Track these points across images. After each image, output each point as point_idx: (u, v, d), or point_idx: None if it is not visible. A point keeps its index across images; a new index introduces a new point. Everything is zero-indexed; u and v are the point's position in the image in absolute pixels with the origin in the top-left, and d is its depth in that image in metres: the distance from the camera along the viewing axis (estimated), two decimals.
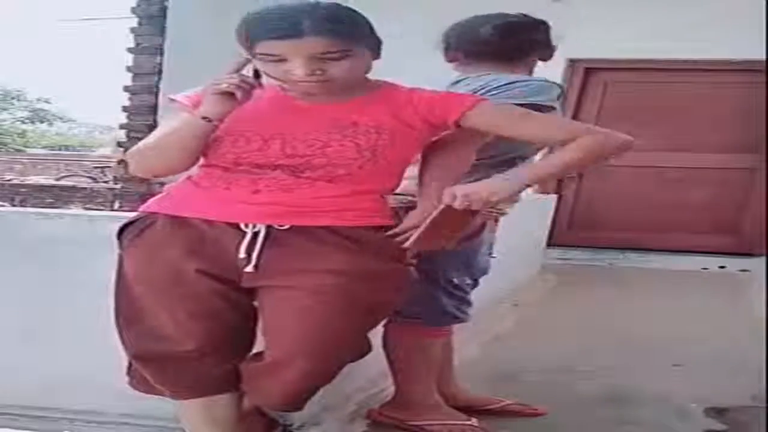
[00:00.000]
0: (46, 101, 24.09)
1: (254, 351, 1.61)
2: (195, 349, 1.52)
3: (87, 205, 8.05)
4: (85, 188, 8.97)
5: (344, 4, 1.44)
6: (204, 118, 1.45)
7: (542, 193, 5.42)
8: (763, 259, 5.18)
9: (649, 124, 5.59)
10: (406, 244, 1.52)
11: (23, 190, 9.07)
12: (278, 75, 1.45)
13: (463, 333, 2.09)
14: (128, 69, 5.84)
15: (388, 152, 1.50)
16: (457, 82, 1.85)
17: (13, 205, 7.98)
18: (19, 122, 23.33)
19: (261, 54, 1.42)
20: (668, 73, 5.53)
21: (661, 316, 3.79)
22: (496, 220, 1.98)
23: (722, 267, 5.50)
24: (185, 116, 1.50)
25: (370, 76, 1.55)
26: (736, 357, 2.89)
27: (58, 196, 8.74)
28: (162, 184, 1.94)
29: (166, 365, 1.55)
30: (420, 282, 1.80)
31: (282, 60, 1.41)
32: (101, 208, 7.26)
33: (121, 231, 1.56)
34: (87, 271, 1.87)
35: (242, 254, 1.47)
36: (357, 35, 1.43)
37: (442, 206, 1.50)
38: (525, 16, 1.93)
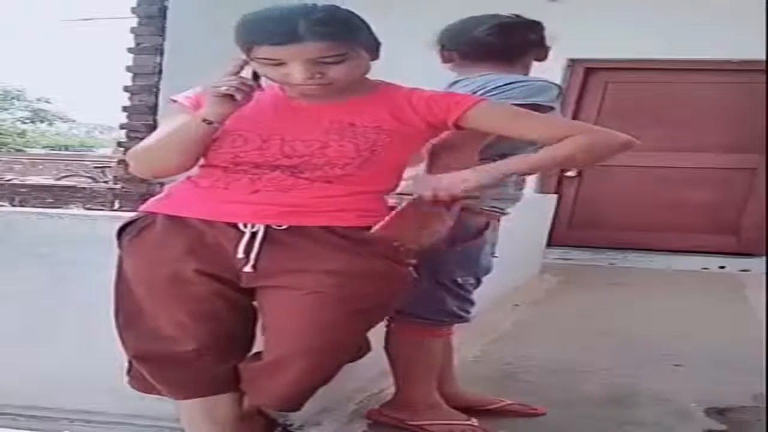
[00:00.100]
0: (46, 101, 24.11)
1: (253, 351, 1.62)
2: (194, 349, 1.52)
3: (87, 205, 8.05)
4: (85, 188, 8.97)
5: (341, 6, 1.44)
6: (205, 120, 1.46)
7: (542, 193, 5.43)
8: (763, 259, 5.20)
9: (648, 124, 5.60)
10: (372, 230, 1.49)
11: (23, 190, 9.07)
12: (277, 78, 1.45)
13: (463, 333, 2.09)
14: (128, 69, 5.84)
15: (387, 152, 1.50)
16: (456, 82, 1.85)
17: (13, 205, 7.98)
18: (19, 122, 23.33)
19: (259, 58, 1.42)
20: (668, 73, 5.54)
21: (661, 316, 3.80)
22: (498, 220, 1.98)
23: (722, 267, 5.50)
24: (185, 118, 1.50)
25: (370, 75, 1.55)
26: (736, 357, 2.89)
27: (58, 196, 8.74)
28: (162, 184, 1.94)
29: (166, 365, 1.55)
30: (423, 281, 1.80)
31: (281, 64, 1.41)
32: (101, 208, 7.26)
33: (121, 231, 1.57)
34: (87, 271, 1.87)
35: (240, 254, 1.47)
36: (355, 38, 1.43)
37: (413, 197, 1.50)
38: (518, 16, 1.93)
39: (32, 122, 23.74)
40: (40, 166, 13.04)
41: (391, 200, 1.66)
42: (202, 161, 1.53)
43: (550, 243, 5.43)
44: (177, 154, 1.49)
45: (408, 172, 1.71)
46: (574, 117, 5.75)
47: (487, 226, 1.91)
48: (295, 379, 1.52)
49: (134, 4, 5.85)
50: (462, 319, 1.99)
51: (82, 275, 1.90)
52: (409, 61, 1.94)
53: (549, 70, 2.01)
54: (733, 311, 4.08)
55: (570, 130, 1.56)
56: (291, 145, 1.48)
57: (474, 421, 2.00)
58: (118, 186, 6.51)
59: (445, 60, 1.97)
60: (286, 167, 1.48)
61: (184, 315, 1.50)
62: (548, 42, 1.96)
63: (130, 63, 5.83)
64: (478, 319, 2.07)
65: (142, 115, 5.74)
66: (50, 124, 24.98)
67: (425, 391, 2.00)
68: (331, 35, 1.38)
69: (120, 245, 1.57)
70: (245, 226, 1.47)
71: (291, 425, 1.94)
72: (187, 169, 1.53)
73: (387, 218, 1.50)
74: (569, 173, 5.77)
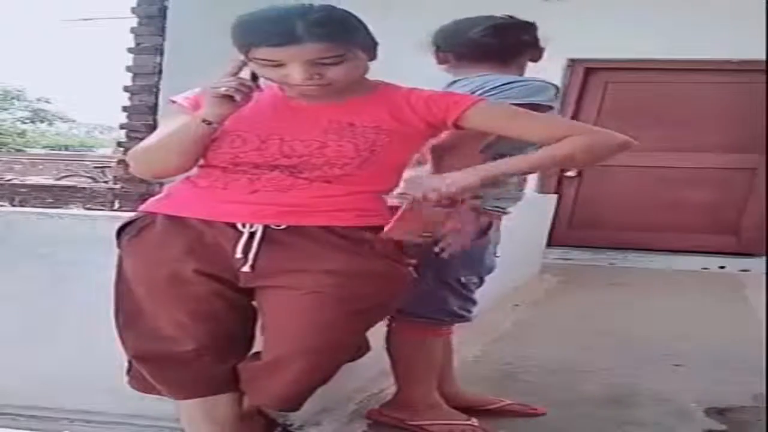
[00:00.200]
0: (46, 101, 24.12)
1: (253, 351, 1.62)
2: (194, 349, 1.52)
3: (87, 205, 8.05)
4: (85, 188, 8.98)
5: (338, 7, 1.44)
6: (204, 120, 1.46)
7: (542, 193, 5.43)
8: (763, 259, 5.20)
9: (648, 124, 5.60)
10: (382, 234, 1.50)
11: (23, 190, 9.07)
12: (276, 78, 1.45)
13: (463, 333, 2.09)
14: (128, 69, 5.85)
15: (386, 153, 1.50)
16: (454, 83, 1.86)
17: (13, 205, 7.98)
18: (19, 122, 23.33)
19: (258, 59, 1.42)
20: (668, 73, 5.54)
21: (661, 316, 3.80)
22: (499, 219, 1.98)
23: (722, 267, 5.51)
24: (185, 118, 1.50)
25: (369, 75, 1.55)
26: (736, 357, 2.89)
27: (58, 196, 8.74)
28: (161, 184, 1.94)
29: (166, 365, 1.55)
30: (427, 280, 1.80)
31: (279, 65, 1.41)
32: (101, 208, 7.26)
33: (120, 231, 1.57)
34: (87, 272, 1.87)
35: (239, 254, 1.47)
36: (353, 38, 1.43)
37: (410, 199, 1.50)
38: (512, 17, 1.94)
39: (32, 122, 23.74)
40: (40, 166, 13.04)
41: (391, 200, 1.66)
42: (201, 161, 1.53)
43: (550, 243, 5.43)
44: (176, 154, 1.49)
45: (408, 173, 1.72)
46: (574, 117, 5.75)
47: (490, 225, 1.91)
48: (295, 379, 1.52)
49: (134, 4, 5.85)
50: (464, 319, 2.00)
51: (82, 275, 1.90)
52: (408, 61, 1.94)
53: (548, 70, 2.01)
54: (733, 311, 4.08)
55: (569, 130, 1.56)
56: (290, 145, 1.48)
57: (474, 421, 2.00)
58: (118, 186, 6.51)
59: (440, 61, 1.98)
60: (285, 167, 1.48)
61: (183, 315, 1.50)
62: (542, 43, 1.96)
63: (130, 63, 5.84)
64: (478, 319, 2.07)
65: (142, 115, 5.74)
66: (50, 124, 24.98)
67: (425, 390, 2.00)
68: (329, 36, 1.38)
69: (119, 245, 1.57)
70: (244, 226, 1.47)
71: (291, 425, 1.94)
72: (187, 170, 1.53)
73: (393, 219, 1.50)
74: (569, 173, 5.77)
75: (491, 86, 1.75)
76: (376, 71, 1.54)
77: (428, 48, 1.98)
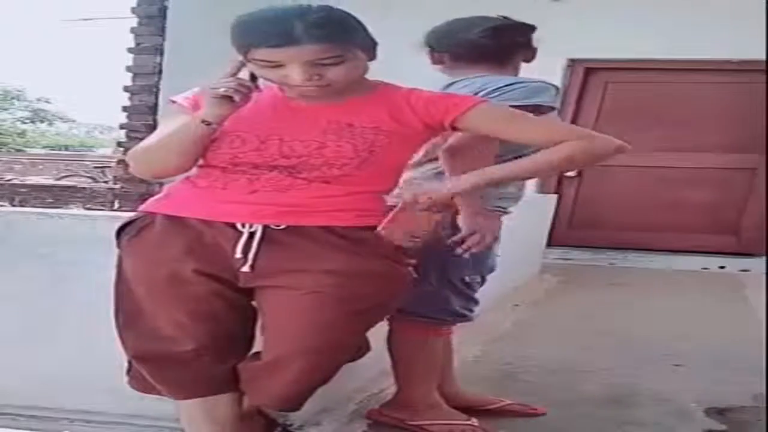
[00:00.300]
0: (46, 101, 24.13)
1: (253, 351, 1.62)
2: (194, 349, 1.52)
3: (87, 205, 8.05)
4: (85, 188, 8.98)
5: (337, 7, 1.44)
6: (204, 121, 1.46)
7: (542, 193, 5.43)
8: (763, 259, 5.20)
9: (648, 124, 5.60)
10: (375, 231, 1.50)
11: (23, 190, 9.07)
12: (275, 79, 1.45)
13: (463, 333, 2.09)
14: (128, 69, 5.85)
15: (385, 153, 1.50)
16: (452, 84, 1.86)
17: (13, 205, 7.98)
18: (19, 122, 23.33)
19: (257, 60, 1.42)
20: (668, 73, 5.54)
21: (661, 316, 3.80)
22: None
23: (722, 267, 5.51)
24: (185, 119, 1.50)
25: (368, 75, 1.55)
26: (736, 357, 2.89)
27: (58, 196, 8.74)
28: (161, 184, 1.94)
29: (165, 365, 1.55)
30: (429, 280, 1.81)
31: (279, 66, 1.41)
32: (101, 208, 7.26)
33: (120, 231, 1.57)
34: (87, 272, 1.87)
35: (238, 254, 1.47)
36: (352, 39, 1.43)
37: (401, 203, 1.51)
38: (506, 18, 1.95)
39: (32, 122, 23.74)
40: (40, 166, 13.04)
41: (391, 201, 1.66)
42: (200, 162, 1.53)
43: (550, 243, 5.43)
44: (176, 155, 1.49)
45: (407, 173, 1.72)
46: (574, 117, 5.75)
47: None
48: (294, 379, 1.52)
49: (134, 4, 5.85)
50: (466, 318, 2.00)
51: (82, 275, 1.90)
52: (408, 61, 1.94)
53: (548, 70, 2.01)
54: (733, 311, 4.08)
55: (566, 135, 1.55)
56: (289, 145, 1.48)
57: (474, 421, 2.00)
58: (117, 186, 6.51)
59: (435, 61, 1.98)
60: (284, 167, 1.48)
61: (183, 315, 1.50)
62: (535, 43, 1.97)
63: (130, 63, 5.84)
64: (478, 319, 2.07)
65: (142, 115, 5.74)
66: (50, 124, 24.98)
67: (425, 390, 2.00)
68: (327, 37, 1.38)
69: (119, 245, 1.57)
70: (243, 226, 1.47)
71: (291, 425, 1.94)
72: (187, 170, 1.54)
73: (385, 220, 1.50)
74: (569, 173, 5.77)
75: (492, 87, 1.75)
76: (375, 71, 1.54)
77: (421, 48, 1.98)
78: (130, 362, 1.62)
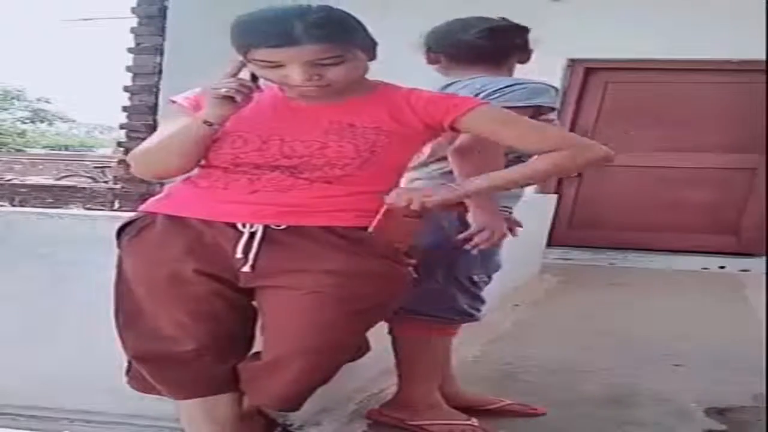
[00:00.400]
0: (46, 101, 24.13)
1: (253, 351, 1.62)
2: (194, 349, 1.52)
3: (87, 205, 8.05)
4: (85, 188, 8.97)
5: (337, 7, 1.44)
6: (205, 121, 1.46)
7: (542, 193, 5.42)
8: (763, 259, 5.19)
9: (648, 124, 5.60)
10: (368, 230, 1.51)
11: (23, 190, 9.07)
12: (276, 79, 1.45)
13: (463, 333, 2.09)
14: (128, 69, 5.84)
15: (386, 153, 1.50)
16: (449, 85, 1.86)
17: (13, 205, 7.98)
18: (19, 122, 23.33)
19: (257, 60, 1.42)
20: (668, 73, 5.54)
21: (661, 316, 3.80)
22: None
23: (722, 267, 5.50)
24: (185, 119, 1.50)
25: (368, 75, 1.55)
26: (736, 357, 2.89)
27: (58, 196, 8.74)
28: (162, 184, 1.94)
29: (166, 365, 1.55)
30: (435, 278, 1.81)
31: (279, 66, 1.41)
32: (101, 208, 7.26)
33: (120, 231, 1.57)
34: (87, 272, 1.87)
35: (239, 254, 1.47)
36: (352, 39, 1.43)
37: (384, 207, 1.51)
38: (504, 19, 1.96)
39: (32, 122, 23.74)
40: (40, 166, 13.04)
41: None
42: (202, 162, 1.53)
43: (550, 243, 5.43)
44: (177, 156, 1.49)
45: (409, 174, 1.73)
46: (574, 117, 5.76)
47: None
48: (294, 379, 1.52)
49: (134, 4, 5.85)
50: (473, 318, 2.00)
51: (82, 275, 1.90)
52: (407, 61, 1.94)
53: (549, 70, 2.01)
54: (733, 311, 4.08)
55: (559, 142, 1.55)
56: (290, 145, 1.48)
57: (474, 421, 2.00)
58: (118, 186, 6.51)
59: (431, 61, 2.00)
60: (286, 168, 1.48)
61: (183, 315, 1.50)
62: (531, 45, 1.98)
63: (130, 63, 5.83)
64: None
65: (142, 115, 5.74)
66: (50, 124, 24.98)
67: (426, 390, 2.00)
68: (327, 37, 1.38)
69: (119, 245, 1.57)
70: (244, 226, 1.47)
71: (291, 425, 1.94)
72: (188, 171, 1.54)
73: (375, 221, 1.50)
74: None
75: (493, 89, 1.76)
76: (375, 71, 1.54)
77: (419, 48, 1.99)
78: (130, 362, 1.62)
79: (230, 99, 1.45)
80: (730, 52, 5.16)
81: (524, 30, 1.97)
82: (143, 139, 1.59)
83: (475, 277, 1.94)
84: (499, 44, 1.92)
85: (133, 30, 5.83)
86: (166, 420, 1.82)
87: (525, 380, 2.56)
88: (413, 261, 1.61)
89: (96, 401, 1.97)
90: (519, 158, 1.79)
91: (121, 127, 5.99)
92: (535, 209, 4.74)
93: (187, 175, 1.56)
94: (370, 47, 1.48)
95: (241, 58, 1.44)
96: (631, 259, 5.71)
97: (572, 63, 5.62)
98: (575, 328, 3.50)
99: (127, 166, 1.64)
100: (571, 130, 5.78)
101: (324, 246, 1.47)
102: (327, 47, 1.39)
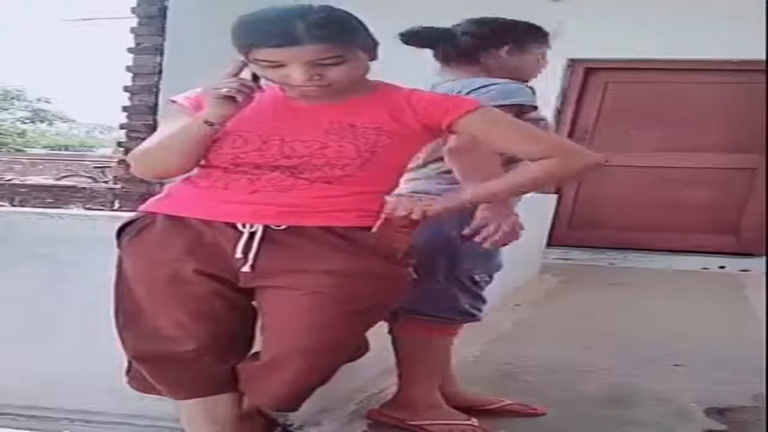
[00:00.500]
0: (46, 101, 24.12)
1: (253, 351, 1.62)
2: (194, 349, 1.52)
3: (87, 205, 8.04)
4: (85, 188, 8.97)
5: (338, 7, 1.44)
6: (206, 121, 1.46)
7: (542, 193, 5.42)
8: (763, 259, 5.20)
9: (648, 124, 5.61)
10: (372, 230, 1.52)
11: (23, 190, 9.06)
12: (277, 79, 1.45)
13: (463, 333, 2.09)
14: (128, 69, 5.84)
15: (387, 153, 1.50)
16: (434, 86, 1.87)
17: (13, 205, 7.98)
18: (19, 122, 23.33)
19: (258, 60, 1.42)
20: (668, 73, 5.54)
21: (661, 316, 3.80)
22: None
23: (722, 267, 5.50)
24: (186, 119, 1.50)
25: (369, 75, 1.55)
26: (736, 357, 2.89)
27: (58, 196, 8.74)
28: (162, 184, 1.94)
29: (166, 365, 1.55)
30: (437, 278, 1.81)
31: (280, 66, 1.41)
32: (101, 208, 7.25)
33: (120, 231, 1.57)
34: (87, 272, 1.87)
35: (239, 254, 1.47)
36: (353, 39, 1.43)
37: (384, 216, 1.51)
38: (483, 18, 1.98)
39: (32, 122, 23.74)
40: (40, 166, 13.04)
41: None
42: (202, 162, 1.53)
43: (550, 243, 5.43)
44: (178, 156, 1.49)
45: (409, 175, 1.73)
46: (574, 117, 5.76)
47: None
48: (292, 379, 1.52)
49: (134, 4, 5.85)
50: (474, 318, 1.99)
51: (82, 275, 1.90)
52: (407, 61, 1.95)
53: (549, 70, 2.01)
54: (733, 311, 4.08)
55: (551, 150, 1.55)
56: (290, 145, 1.47)
57: (474, 421, 2.00)
58: (118, 186, 6.51)
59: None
60: (286, 168, 1.48)
61: (183, 315, 1.50)
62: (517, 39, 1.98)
63: (130, 63, 5.83)
64: None
65: (142, 115, 5.74)
66: (50, 124, 24.98)
67: (426, 390, 2.00)
68: (328, 37, 1.38)
69: (119, 245, 1.57)
70: (244, 226, 1.47)
71: (291, 425, 1.94)
72: (188, 171, 1.53)
73: (377, 224, 1.51)
74: None
75: (468, 90, 1.77)
76: (375, 71, 1.54)
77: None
78: (130, 362, 1.62)
79: (231, 99, 1.45)
80: (730, 52, 5.16)
81: (502, 25, 1.96)
82: (143, 139, 1.58)
83: (477, 277, 1.94)
84: (475, 42, 1.93)
85: (133, 30, 5.83)
86: (166, 420, 1.82)
87: (525, 380, 2.56)
88: (413, 261, 1.61)
89: (96, 401, 1.97)
90: (512, 158, 1.78)
91: (121, 127, 5.99)
92: (535, 209, 4.74)
93: (187, 175, 1.56)
94: (371, 47, 1.48)
95: (242, 57, 1.44)
96: (631, 259, 5.71)
97: (572, 63, 5.63)
98: (575, 328, 3.50)
99: (127, 166, 1.64)
100: (571, 130, 5.79)
101: (324, 246, 1.47)
102: (328, 47, 1.39)
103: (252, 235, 1.47)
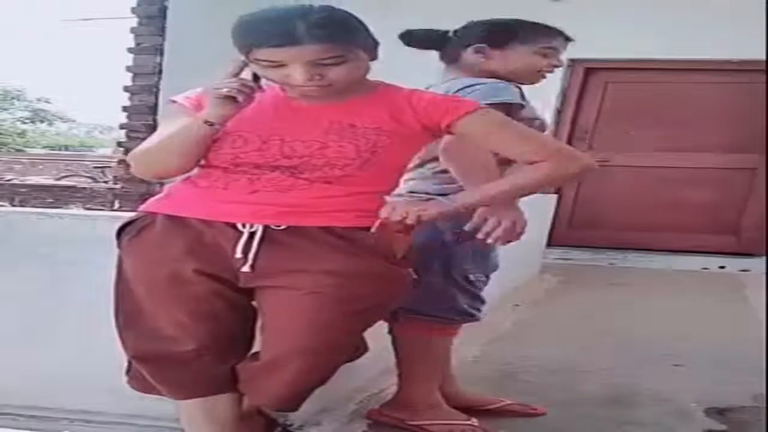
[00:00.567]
0: (46, 101, 24.14)
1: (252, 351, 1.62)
2: (194, 349, 1.52)
3: (87, 205, 8.05)
4: (85, 188, 8.98)
5: (339, 7, 1.44)
6: (206, 121, 1.46)
7: (542, 193, 5.42)
8: (763, 259, 5.20)
9: (648, 124, 5.60)
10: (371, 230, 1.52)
11: (23, 190, 9.07)
12: (277, 79, 1.45)
13: (463, 333, 2.09)
14: (128, 69, 5.84)
15: (387, 154, 1.50)
16: (428, 87, 1.88)
17: (13, 205, 7.98)
18: (19, 122, 23.34)
19: (259, 60, 1.42)
20: (668, 73, 5.54)
21: (661, 316, 3.80)
22: None
23: (722, 267, 5.50)
24: (186, 119, 1.50)
25: (369, 75, 1.55)
26: (736, 357, 2.89)
27: (58, 196, 8.74)
28: (162, 184, 1.94)
29: (166, 365, 1.55)
30: (436, 278, 1.81)
31: (281, 65, 1.41)
32: (101, 208, 7.25)
33: (120, 231, 1.57)
34: (87, 272, 1.87)
35: (239, 254, 1.47)
36: (353, 39, 1.43)
37: (379, 220, 1.51)
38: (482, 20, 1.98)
39: (32, 122, 23.75)
40: (40, 166, 13.05)
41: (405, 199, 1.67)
42: (202, 162, 1.53)
43: (550, 243, 5.43)
44: (178, 156, 1.49)
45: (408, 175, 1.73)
46: (574, 117, 5.76)
47: None
48: (291, 379, 1.52)
49: (134, 4, 5.85)
50: (473, 318, 1.99)
51: (82, 275, 1.90)
52: (408, 61, 1.95)
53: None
54: (733, 311, 4.08)
55: (543, 153, 1.55)
56: (290, 145, 1.48)
57: (474, 421, 2.00)
58: (118, 186, 6.51)
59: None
60: (286, 168, 1.48)
61: (183, 315, 1.50)
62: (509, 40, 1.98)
63: (130, 63, 5.83)
64: None
65: (142, 115, 5.74)
66: (50, 124, 25.00)
67: (426, 390, 2.00)
68: (329, 37, 1.38)
69: (120, 245, 1.57)
70: (243, 226, 1.47)
71: (291, 425, 1.94)
72: (188, 171, 1.54)
73: (374, 227, 1.51)
74: None
75: (454, 90, 1.78)
76: (375, 71, 1.54)
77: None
78: (130, 362, 1.62)
79: (232, 99, 1.45)
80: (730, 52, 5.16)
81: (495, 25, 1.95)
82: (143, 139, 1.58)
83: (471, 276, 1.94)
84: (464, 43, 1.93)
85: (133, 30, 5.83)
86: (166, 420, 1.82)
87: (525, 380, 2.55)
88: (412, 261, 1.61)
89: (96, 401, 1.97)
90: (507, 159, 1.78)
91: (121, 127, 5.99)
92: (535, 209, 4.72)
93: (187, 175, 1.56)
94: (371, 47, 1.48)
95: (242, 57, 1.44)
96: (631, 259, 5.71)
97: (572, 63, 5.63)
98: (575, 328, 3.50)
99: (127, 166, 1.64)
100: (571, 130, 5.79)
101: (323, 246, 1.47)
102: (329, 47, 1.39)
103: (252, 235, 1.47)
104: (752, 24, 4.78)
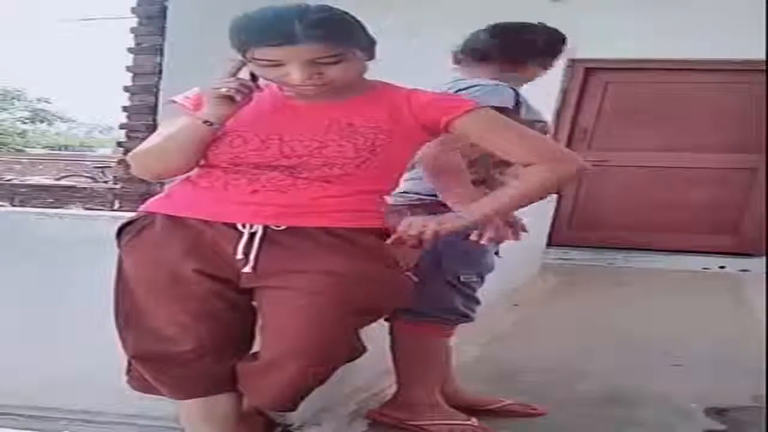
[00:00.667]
0: (46, 101, 24.15)
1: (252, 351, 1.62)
2: (194, 349, 1.52)
3: (87, 205, 8.06)
4: (85, 188, 8.99)
5: (336, 7, 1.44)
6: (205, 121, 1.46)
7: None
8: (763, 259, 5.19)
9: (649, 124, 5.60)
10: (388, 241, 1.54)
11: (23, 190, 9.08)
12: (275, 78, 1.45)
13: (463, 333, 2.09)
14: (128, 69, 5.85)
15: (386, 153, 1.50)
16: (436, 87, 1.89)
17: (13, 205, 7.98)
18: (19, 122, 23.35)
19: (256, 59, 1.42)
20: (668, 73, 5.53)
21: (661, 316, 3.80)
22: None
23: (722, 267, 5.50)
24: (185, 119, 1.50)
25: (370, 75, 1.55)
26: (736, 357, 2.89)
27: (58, 196, 8.76)
28: (162, 184, 1.95)
29: (166, 365, 1.55)
30: (427, 279, 1.81)
31: (278, 65, 1.41)
32: (101, 208, 7.26)
33: (120, 231, 1.57)
34: (87, 271, 1.87)
35: (239, 255, 1.47)
36: (351, 38, 1.43)
37: (395, 235, 1.53)
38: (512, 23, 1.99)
39: (32, 122, 23.76)
40: (40, 166, 13.06)
41: (399, 199, 1.67)
42: (201, 162, 1.53)
43: (550, 243, 5.43)
44: (177, 156, 1.49)
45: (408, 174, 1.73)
46: (574, 117, 5.75)
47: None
48: (290, 380, 1.52)
49: (134, 4, 5.86)
50: (468, 318, 2.00)
51: (82, 275, 1.90)
52: (407, 61, 1.95)
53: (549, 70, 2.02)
54: (733, 311, 4.08)
55: (539, 156, 1.54)
56: (290, 145, 1.47)
57: (474, 420, 2.00)
58: (118, 186, 6.52)
59: (453, 61, 2.04)
60: (285, 167, 1.48)
61: (183, 315, 1.50)
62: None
63: (130, 63, 5.84)
64: (478, 318, 2.07)
65: (142, 115, 5.75)
66: (50, 124, 25.01)
67: (426, 390, 2.00)
68: (326, 36, 1.38)
69: (120, 245, 1.57)
70: (244, 226, 1.47)
71: (291, 425, 1.94)
72: (188, 171, 1.54)
73: (390, 240, 1.53)
74: None
75: (455, 89, 1.79)
76: (375, 71, 1.54)
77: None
78: (129, 362, 1.62)
79: (230, 98, 1.45)
80: (730, 52, 5.15)
81: (515, 29, 1.98)
82: (143, 139, 1.59)
83: (463, 278, 1.94)
84: (482, 47, 1.96)
85: (133, 30, 5.84)
86: (166, 420, 1.82)
87: (525, 380, 2.55)
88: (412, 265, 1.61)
89: (96, 401, 1.97)
90: (504, 161, 1.79)
91: (121, 127, 6.00)
92: (535, 209, 4.73)
93: (186, 175, 1.56)
94: (369, 46, 1.48)
95: (240, 57, 1.44)
96: (631, 259, 5.70)
97: (572, 63, 5.62)
98: (575, 328, 3.50)
99: (127, 166, 1.63)
100: (571, 130, 5.79)
101: (323, 247, 1.47)
102: (326, 46, 1.39)
103: (252, 235, 1.47)
104: (752, 24, 4.78)
